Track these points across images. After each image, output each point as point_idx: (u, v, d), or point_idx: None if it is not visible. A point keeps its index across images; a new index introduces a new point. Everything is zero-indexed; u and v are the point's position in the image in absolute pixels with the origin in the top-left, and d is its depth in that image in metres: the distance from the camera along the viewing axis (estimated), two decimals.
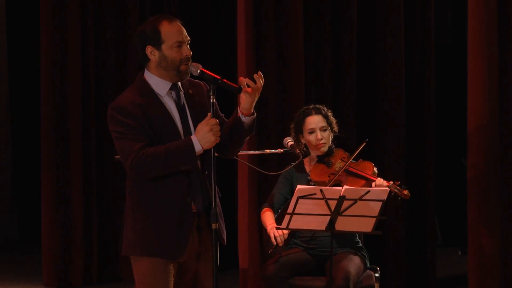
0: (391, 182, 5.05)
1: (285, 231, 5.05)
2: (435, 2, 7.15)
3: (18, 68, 9.56)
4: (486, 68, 5.93)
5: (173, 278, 3.89)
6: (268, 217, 5.23)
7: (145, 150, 3.74)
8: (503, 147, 6.05)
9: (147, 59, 3.87)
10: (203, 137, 3.76)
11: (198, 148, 3.76)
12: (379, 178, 5.07)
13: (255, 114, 3.89)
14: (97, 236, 7.21)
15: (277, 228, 5.00)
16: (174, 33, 3.84)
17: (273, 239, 5.07)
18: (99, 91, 7.27)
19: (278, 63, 6.60)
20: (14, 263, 8.35)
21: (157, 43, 3.83)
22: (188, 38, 3.88)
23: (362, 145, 5.14)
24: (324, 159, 5.30)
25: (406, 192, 5.03)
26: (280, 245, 5.09)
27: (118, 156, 4.00)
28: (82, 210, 7.17)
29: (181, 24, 3.89)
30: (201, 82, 4.02)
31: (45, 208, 7.14)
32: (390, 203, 6.48)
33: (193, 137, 3.77)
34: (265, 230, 5.33)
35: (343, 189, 4.55)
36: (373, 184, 5.05)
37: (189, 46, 3.88)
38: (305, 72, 6.63)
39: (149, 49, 3.85)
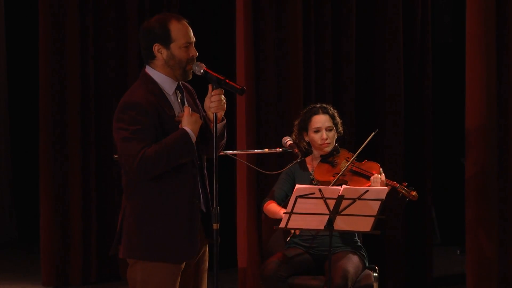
0: (398, 184, 5.06)
1: None
2: (436, 1, 7.15)
3: (17, 67, 9.55)
4: (484, 67, 5.94)
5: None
6: (275, 206, 5.21)
7: (145, 151, 3.71)
8: (501, 145, 6.06)
9: (153, 57, 3.86)
10: (192, 127, 3.76)
11: (194, 137, 3.77)
12: (382, 174, 5.06)
13: (225, 120, 3.90)
14: (95, 236, 7.21)
15: (275, 228, 5.00)
16: (183, 33, 3.83)
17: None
18: (98, 90, 7.26)
19: (277, 61, 6.60)
20: (13, 263, 8.35)
21: (166, 42, 3.82)
22: (194, 38, 3.89)
23: (372, 135, 5.12)
24: (328, 158, 5.30)
25: (414, 193, 5.03)
26: (297, 232, 5.07)
27: (117, 156, 3.98)
28: (81, 210, 7.16)
29: (188, 24, 3.89)
30: (189, 86, 4.03)
31: (43, 207, 7.13)
32: (394, 203, 6.52)
33: (186, 128, 3.76)
34: (266, 225, 5.35)
35: (342, 188, 4.55)
36: (371, 177, 5.04)
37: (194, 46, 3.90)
38: (304, 71, 6.63)
39: (156, 47, 3.83)
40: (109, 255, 4.03)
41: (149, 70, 3.89)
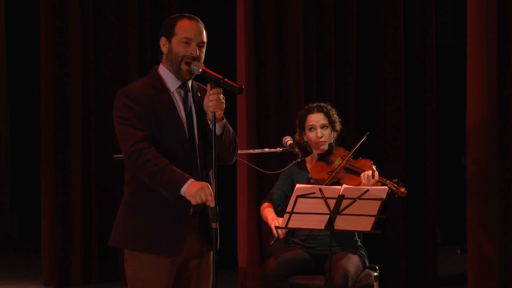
0: (388, 180, 5.06)
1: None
2: (436, 0, 7.15)
3: (17, 66, 9.56)
4: (486, 66, 5.94)
5: (173, 278, 3.89)
6: (268, 211, 5.24)
7: (150, 149, 3.73)
8: (503, 145, 6.05)
9: (162, 52, 3.93)
10: (189, 193, 3.70)
11: (183, 192, 3.72)
12: (375, 172, 5.07)
13: (225, 120, 3.89)
14: (96, 235, 7.21)
15: (276, 228, 5.01)
16: (186, 29, 3.87)
17: (274, 231, 5.08)
18: (99, 90, 7.27)
19: (277, 61, 6.60)
20: (14, 262, 8.36)
21: (169, 35, 3.89)
22: (203, 41, 3.89)
23: (363, 139, 5.13)
24: (324, 157, 5.31)
25: (403, 189, 5.03)
26: (281, 237, 5.09)
27: (118, 155, 4.00)
28: (82, 209, 7.17)
29: (201, 26, 3.91)
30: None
31: (44, 207, 7.14)
32: (389, 202, 6.52)
33: (187, 183, 3.71)
34: (266, 225, 5.35)
35: (342, 188, 4.55)
36: (361, 174, 5.04)
37: (203, 50, 3.89)
38: (304, 70, 6.63)
39: (162, 41, 3.91)
40: (108, 245, 4.03)
41: (160, 67, 3.96)
